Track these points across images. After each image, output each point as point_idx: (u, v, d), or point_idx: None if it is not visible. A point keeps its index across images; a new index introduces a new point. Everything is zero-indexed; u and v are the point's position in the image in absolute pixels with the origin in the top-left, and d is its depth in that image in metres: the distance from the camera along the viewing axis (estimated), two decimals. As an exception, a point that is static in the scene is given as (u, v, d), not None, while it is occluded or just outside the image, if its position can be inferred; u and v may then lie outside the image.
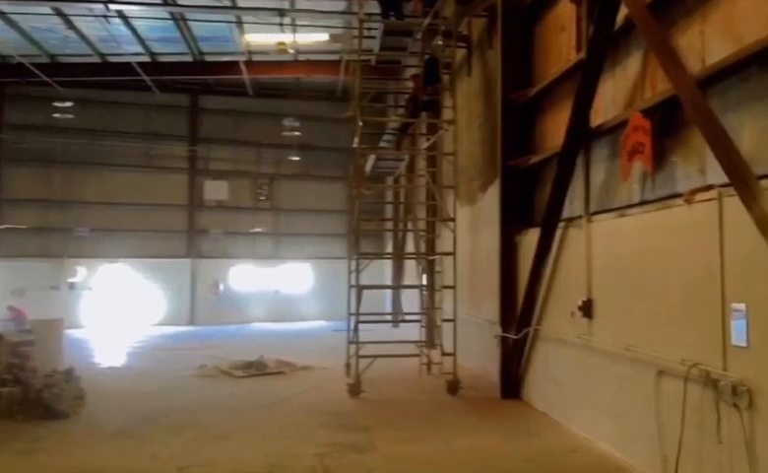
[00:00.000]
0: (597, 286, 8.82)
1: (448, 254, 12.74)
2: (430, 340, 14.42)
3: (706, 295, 6.45)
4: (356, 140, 13.59)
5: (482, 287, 13.68)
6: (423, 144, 14.88)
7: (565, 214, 9.85)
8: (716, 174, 6.60)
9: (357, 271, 12.63)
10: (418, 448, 8.83)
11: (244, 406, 11.42)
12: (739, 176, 5.77)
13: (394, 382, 13.09)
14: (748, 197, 5.62)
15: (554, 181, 9.63)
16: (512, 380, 11.53)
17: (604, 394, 8.58)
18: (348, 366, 13.92)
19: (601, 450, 8.42)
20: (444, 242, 14.14)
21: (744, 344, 5.94)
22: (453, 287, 12.58)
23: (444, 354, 12.46)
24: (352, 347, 12.93)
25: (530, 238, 11.24)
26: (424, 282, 17.01)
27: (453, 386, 12.10)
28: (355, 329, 12.19)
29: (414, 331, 15.29)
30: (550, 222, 9.94)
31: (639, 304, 7.72)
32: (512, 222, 11.70)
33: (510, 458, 8.36)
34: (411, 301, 20.20)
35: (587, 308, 8.91)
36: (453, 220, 12.79)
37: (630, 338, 7.83)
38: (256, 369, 14.89)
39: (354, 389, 12.05)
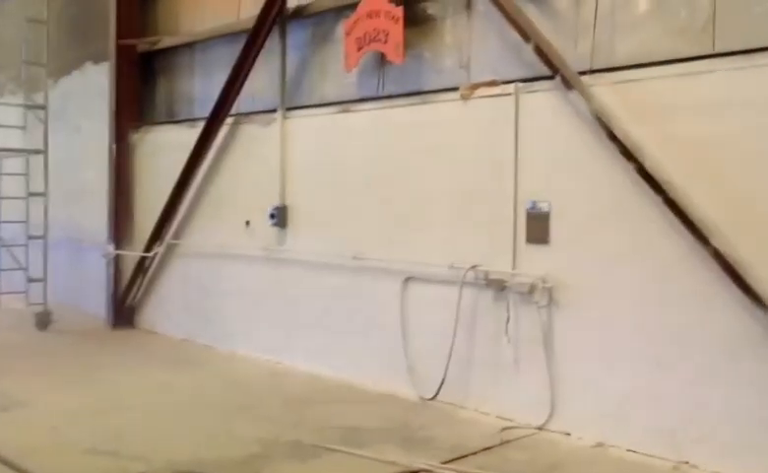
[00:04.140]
0: (297, 191, 7.79)
1: (37, 152, 9.68)
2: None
3: (488, 194, 6.23)
4: None
5: (57, 200, 10.89)
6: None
7: (235, 109, 8.45)
8: (483, 71, 6.41)
9: None
10: (85, 395, 6.55)
11: None
12: (567, 71, 5.67)
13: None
14: (583, 91, 5.55)
15: (234, 69, 8.08)
16: (127, 308, 9.55)
17: (302, 310, 7.67)
18: None
19: (302, 371, 7.46)
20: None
21: (543, 242, 5.93)
22: (43, 194, 9.65)
23: (31, 280, 9.53)
24: None
25: (153, 138, 9.55)
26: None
27: (44, 320, 9.36)
28: None
29: None
30: (216, 117, 8.39)
31: (374, 209, 7.04)
32: (127, 117, 9.62)
33: (215, 388, 6.85)
34: None
35: (280, 216, 7.82)
36: (44, 108, 9.76)
37: (357, 246, 7.09)
38: None
39: None
